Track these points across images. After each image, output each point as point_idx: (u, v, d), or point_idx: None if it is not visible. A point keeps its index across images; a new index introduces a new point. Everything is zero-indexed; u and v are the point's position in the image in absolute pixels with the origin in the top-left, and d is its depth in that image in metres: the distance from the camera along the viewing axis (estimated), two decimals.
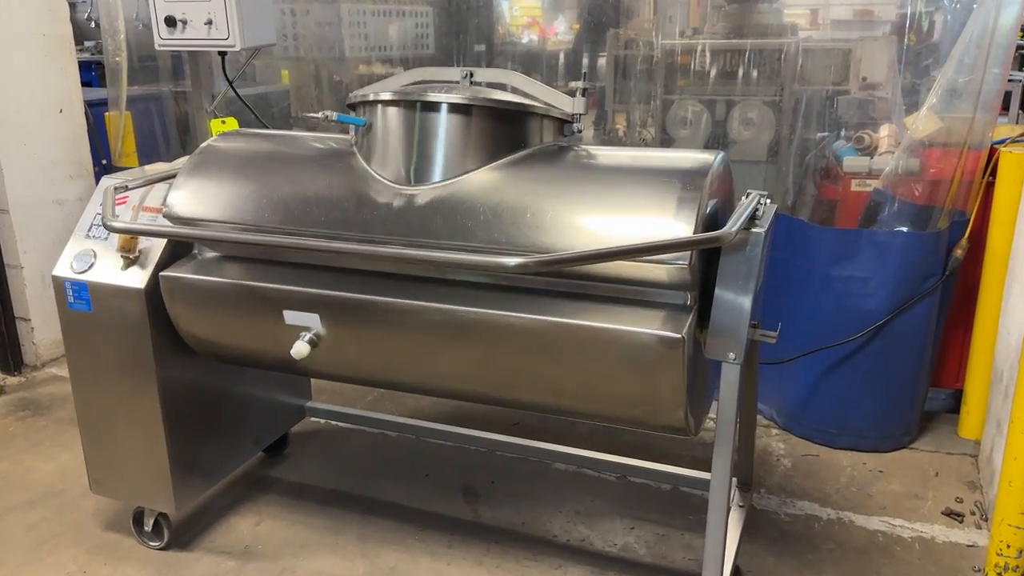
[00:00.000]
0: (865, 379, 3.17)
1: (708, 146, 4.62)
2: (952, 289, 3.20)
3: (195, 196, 2.35)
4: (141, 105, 4.39)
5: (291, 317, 2.20)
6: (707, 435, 3.01)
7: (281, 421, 3.19)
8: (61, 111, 4.08)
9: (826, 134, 3.98)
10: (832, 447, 3.30)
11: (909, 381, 3.19)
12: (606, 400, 2.07)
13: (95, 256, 2.51)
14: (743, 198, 2.11)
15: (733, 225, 1.78)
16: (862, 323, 3.08)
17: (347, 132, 2.37)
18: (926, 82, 3.61)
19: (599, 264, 1.81)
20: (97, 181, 4.20)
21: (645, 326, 1.91)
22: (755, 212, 2.00)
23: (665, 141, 4.76)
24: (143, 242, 2.46)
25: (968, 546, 2.73)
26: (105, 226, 2.16)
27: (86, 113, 4.24)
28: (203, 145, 2.49)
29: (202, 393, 2.73)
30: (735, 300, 1.94)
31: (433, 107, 2.09)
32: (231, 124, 3.01)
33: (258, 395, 3.02)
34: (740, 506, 2.60)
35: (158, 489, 2.65)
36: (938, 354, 3.31)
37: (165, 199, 2.45)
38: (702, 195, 1.92)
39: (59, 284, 2.52)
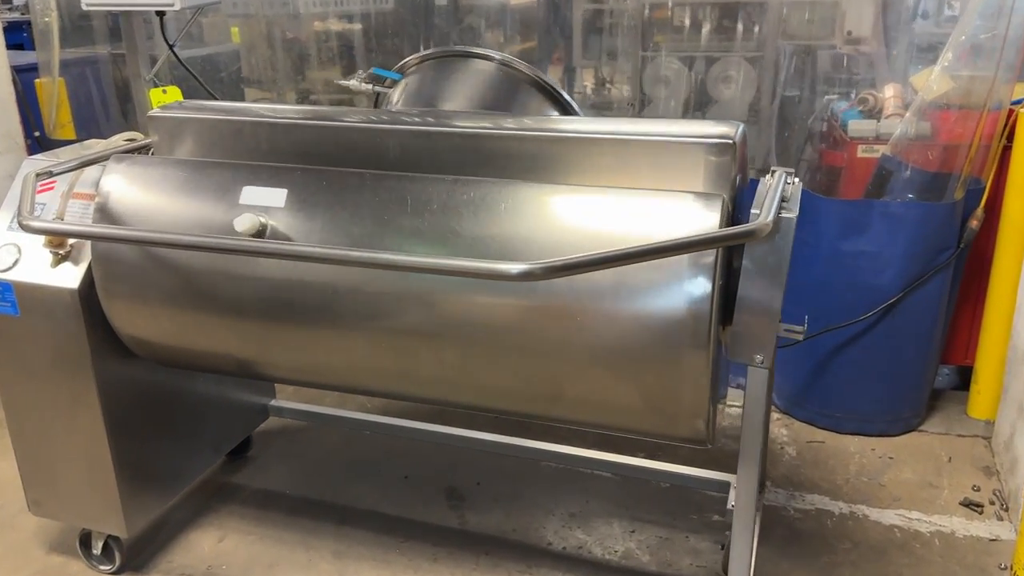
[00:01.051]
0: (873, 360, 2.96)
1: (688, 106, 4.37)
2: (964, 262, 2.99)
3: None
4: (76, 70, 3.97)
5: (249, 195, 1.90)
6: None
7: (243, 423, 2.90)
8: None
9: (798, 93, 3.78)
10: (838, 432, 3.09)
11: (919, 360, 2.99)
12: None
13: (20, 251, 2.19)
14: (767, 177, 1.85)
15: (768, 214, 1.52)
16: (872, 301, 2.86)
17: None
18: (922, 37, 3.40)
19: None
20: (32, 154, 3.84)
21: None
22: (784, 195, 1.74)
23: (642, 100, 4.48)
24: None
25: (991, 540, 2.55)
26: (21, 225, 1.83)
27: (14, 80, 3.81)
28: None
29: (151, 398, 2.43)
30: (763, 296, 1.69)
31: None
32: (173, 94, 2.67)
33: (216, 396, 2.72)
34: (755, 510, 2.38)
35: (106, 510, 2.36)
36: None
37: (98, 184, 2.13)
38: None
39: None
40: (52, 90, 3.95)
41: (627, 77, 5.13)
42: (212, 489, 2.84)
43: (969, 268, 3.02)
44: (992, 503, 2.70)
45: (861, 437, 3.06)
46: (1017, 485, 2.63)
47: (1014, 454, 2.69)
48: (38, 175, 1.99)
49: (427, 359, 1.84)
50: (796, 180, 1.83)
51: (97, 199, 2.05)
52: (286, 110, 2.20)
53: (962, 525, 2.62)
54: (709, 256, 1.59)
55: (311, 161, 1.97)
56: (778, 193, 1.66)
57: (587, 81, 5.32)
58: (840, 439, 3.07)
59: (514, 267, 1.38)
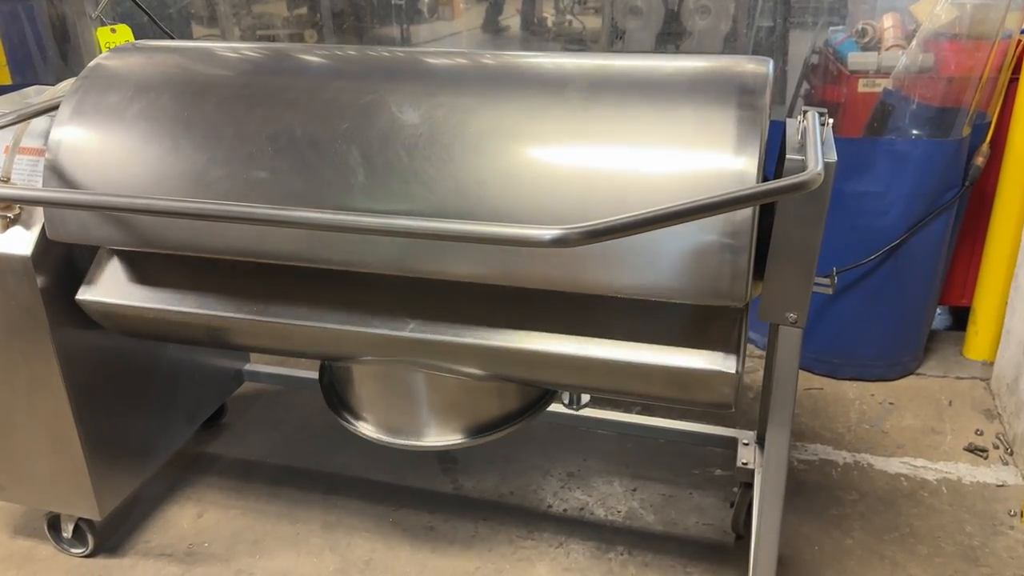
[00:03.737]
0: (873, 303, 2.87)
1: (661, 37, 4.19)
2: (967, 201, 2.89)
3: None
4: (6, 7, 3.62)
5: None
6: None
7: (217, 390, 2.71)
8: None
9: (772, 23, 3.62)
10: (835, 378, 3.02)
11: (920, 303, 2.91)
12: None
13: None
14: (797, 118, 1.69)
15: (817, 163, 1.36)
16: (875, 243, 2.75)
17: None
18: None
19: None
20: None
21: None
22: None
23: (614, 33, 4.27)
24: None
25: (998, 486, 2.50)
26: None
27: None
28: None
29: (118, 368, 2.24)
30: (800, 248, 1.55)
31: None
32: (123, 33, 2.40)
33: (187, 362, 2.52)
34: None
35: (75, 491, 2.18)
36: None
37: (47, 138, 1.90)
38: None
39: None
40: None
41: (591, 8, 4.91)
42: (187, 461, 2.67)
43: (970, 207, 2.93)
44: (996, 447, 2.65)
45: (859, 383, 2.99)
46: None
47: (1020, 397, 2.64)
48: None
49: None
50: (830, 121, 1.68)
51: (47, 155, 1.81)
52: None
53: (968, 471, 2.57)
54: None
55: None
56: (818, 138, 1.51)
57: (547, 12, 5.09)
58: (838, 385, 3.00)
59: (546, 232, 1.21)
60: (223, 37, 4.25)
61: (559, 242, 1.20)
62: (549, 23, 5.03)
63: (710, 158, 1.48)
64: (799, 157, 1.49)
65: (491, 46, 5.01)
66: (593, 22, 4.80)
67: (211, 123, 1.74)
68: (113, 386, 2.22)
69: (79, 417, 2.10)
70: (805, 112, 1.67)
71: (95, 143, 1.79)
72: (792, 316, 1.61)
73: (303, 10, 4.55)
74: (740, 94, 1.53)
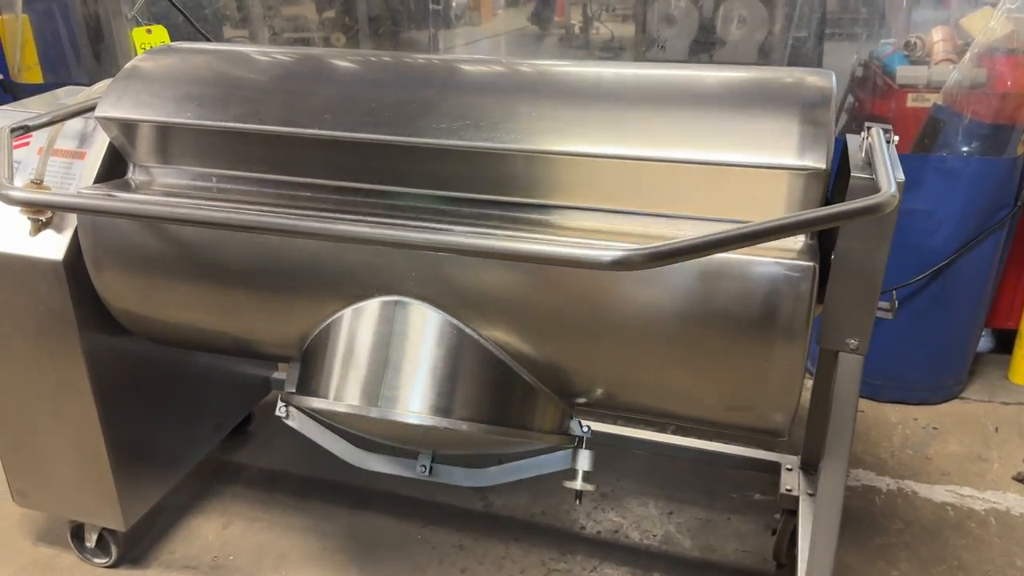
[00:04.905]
0: (918, 324, 2.78)
1: (695, 47, 4.08)
2: (1017, 221, 2.80)
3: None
4: (41, 6, 3.60)
5: None
6: None
7: (245, 398, 2.67)
8: None
9: (805, 34, 3.55)
10: (876, 400, 2.93)
11: (967, 325, 2.82)
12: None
13: None
14: (861, 135, 1.62)
15: (890, 184, 1.29)
16: (923, 263, 2.67)
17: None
18: None
19: None
20: None
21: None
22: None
23: (649, 42, 4.19)
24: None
25: None
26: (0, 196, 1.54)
27: None
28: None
29: (146, 376, 2.19)
30: (862, 272, 1.48)
31: None
32: (159, 34, 2.36)
33: (216, 370, 2.48)
34: (810, 494, 2.21)
35: (100, 500, 2.14)
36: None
37: (81, 139, 1.86)
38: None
39: None
40: (16, 28, 3.58)
41: (618, 15, 4.84)
42: (212, 469, 2.62)
43: (1021, 226, 2.83)
44: None
45: (902, 406, 2.90)
46: None
47: None
48: (12, 130, 1.71)
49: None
50: (896, 138, 1.60)
51: (85, 155, 1.77)
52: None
53: (1017, 502, 2.47)
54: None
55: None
56: (887, 156, 1.44)
57: (575, 19, 5.02)
58: (880, 408, 2.91)
59: (606, 254, 1.14)
60: (253, 40, 4.22)
61: (621, 264, 1.14)
62: (576, 29, 4.98)
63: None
64: (866, 176, 1.42)
65: (527, 50, 4.96)
66: (621, 29, 4.75)
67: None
68: (141, 393, 2.18)
69: (106, 424, 2.06)
70: (868, 128, 1.60)
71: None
72: (853, 342, 1.54)
73: (332, 13, 4.52)
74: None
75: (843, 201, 1.29)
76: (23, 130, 1.74)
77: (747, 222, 1.20)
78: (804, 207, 1.42)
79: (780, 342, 1.42)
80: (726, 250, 1.20)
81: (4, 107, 2.08)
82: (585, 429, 1.83)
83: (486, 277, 1.53)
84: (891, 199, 1.24)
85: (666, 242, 1.14)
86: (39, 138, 1.91)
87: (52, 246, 1.86)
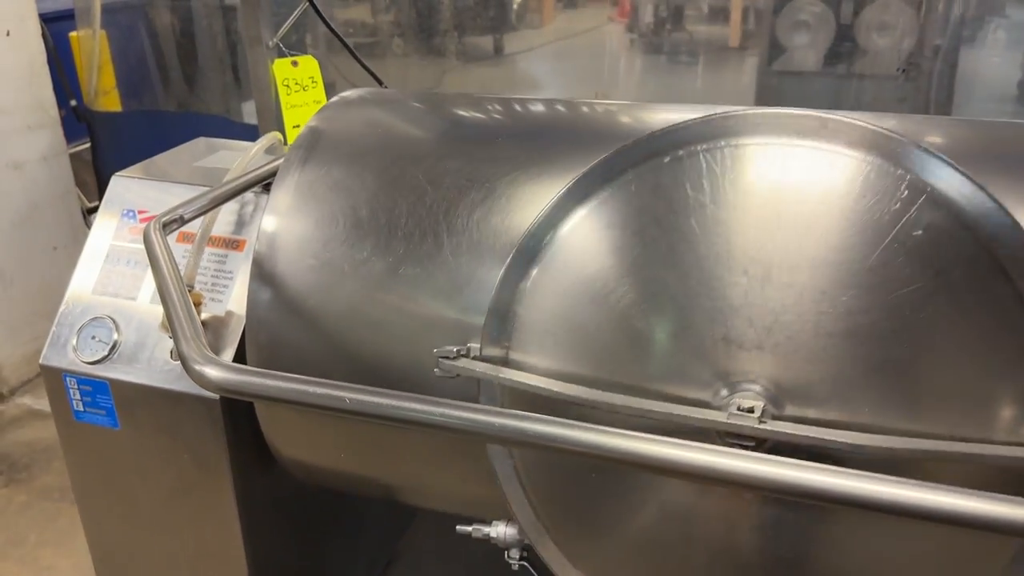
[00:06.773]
0: None
1: (830, 57, 3.73)
2: None
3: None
4: (123, 19, 3.09)
5: None
6: None
7: (395, 530, 2.17)
8: (8, 33, 2.82)
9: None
10: None
11: None
12: None
13: (117, 328, 1.41)
14: None
15: None
16: None
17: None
18: None
19: None
20: (66, 131, 3.03)
21: None
22: None
23: (773, 52, 3.87)
24: (207, 298, 1.37)
25: None
26: (187, 368, 0.97)
27: (43, 34, 2.97)
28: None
29: (302, 521, 1.70)
30: None
31: None
32: (307, 67, 1.84)
33: (369, 506, 1.98)
34: None
35: None
36: None
37: (240, 222, 1.36)
38: None
39: (55, 380, 1.42)
40: (92, 46, 3.09)
41: (704, 12, 4.41)
42: None
43: None
44: None
45: None
46: None
47: None
48: (166, 224, 1.19)
49: None
50: None
51: (254, 262, 1.25)
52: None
53: None
54: None
55: None
56: None
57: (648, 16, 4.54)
58: None
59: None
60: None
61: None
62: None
63: None
64: None
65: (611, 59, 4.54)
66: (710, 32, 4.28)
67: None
68: (296, 538, 1.70)
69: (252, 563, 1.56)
70: None
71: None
72: None
73: (392, 16, 4.08)
74: None
75: None
76: (179, 222, 1.23)
77: None
78: None
79: None
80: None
81: (121, 173, 1.56)
82: None
83: None
84: None
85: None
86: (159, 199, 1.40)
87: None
